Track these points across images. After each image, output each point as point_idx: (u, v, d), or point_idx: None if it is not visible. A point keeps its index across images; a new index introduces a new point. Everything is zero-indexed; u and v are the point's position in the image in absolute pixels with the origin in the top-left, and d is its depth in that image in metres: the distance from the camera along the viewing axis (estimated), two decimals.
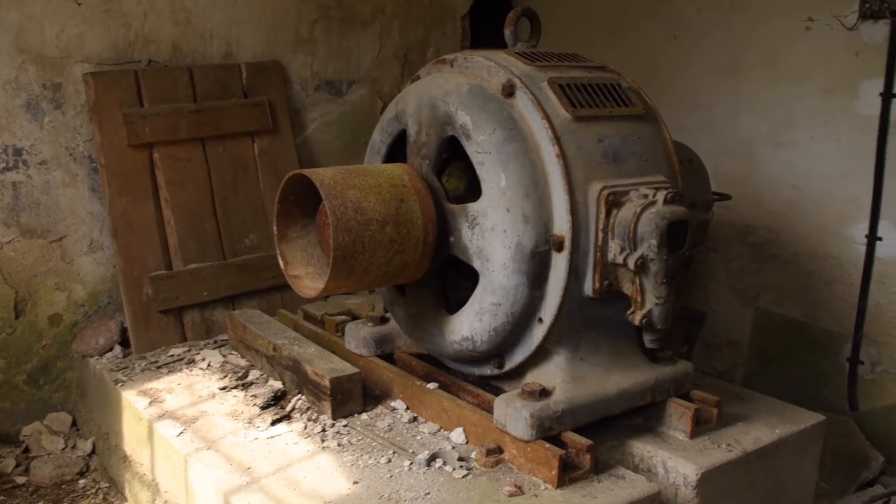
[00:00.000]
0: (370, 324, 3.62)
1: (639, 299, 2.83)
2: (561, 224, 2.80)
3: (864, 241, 4.03)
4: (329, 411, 3.24)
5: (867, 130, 3.96)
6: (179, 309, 4.11)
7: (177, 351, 3.96)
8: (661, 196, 2.80)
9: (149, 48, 4.21)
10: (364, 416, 3.28)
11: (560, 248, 2.81)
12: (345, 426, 3.20)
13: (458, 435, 3.08)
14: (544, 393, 2.89)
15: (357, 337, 3.59)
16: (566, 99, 2.92)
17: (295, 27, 4.65)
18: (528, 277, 2.82)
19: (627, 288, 2.86)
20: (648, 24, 4.91)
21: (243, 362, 3.80)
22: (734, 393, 3.56)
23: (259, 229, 4.37)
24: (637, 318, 2.84)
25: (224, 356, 3.88)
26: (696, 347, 4.72)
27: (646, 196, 2.82)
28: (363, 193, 2.85)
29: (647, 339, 2.94)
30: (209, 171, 4.25)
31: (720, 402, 3.21)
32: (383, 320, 3.64)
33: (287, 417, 3.28)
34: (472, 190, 3.33)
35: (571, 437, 2.87)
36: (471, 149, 2.90)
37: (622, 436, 3.15)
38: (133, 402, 3.45)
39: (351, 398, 3.28)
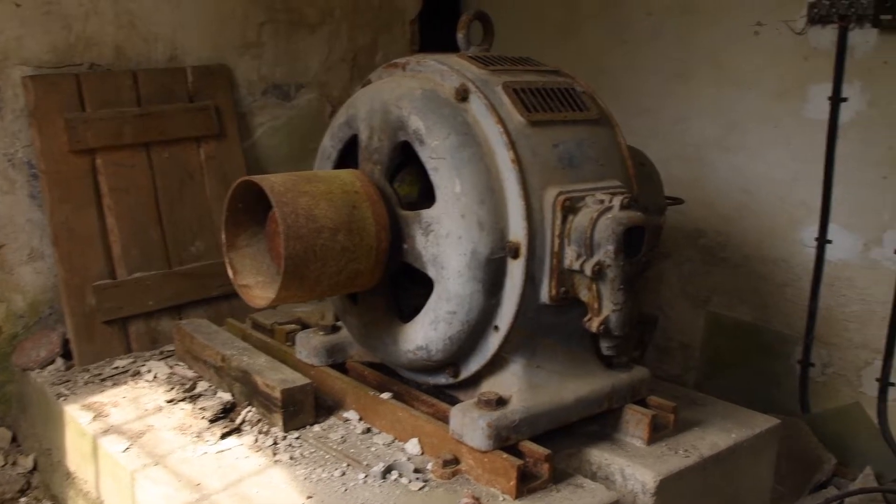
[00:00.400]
0: (321, 333, 3.55)
1: (596, 306, 2.81)
2: (517, 230, 2.76)
3: (814, 243, 4.06)
4: (280, 423, 3.16)
5: (816, 134, 3.99)
6: (124, 319, 3.98)
7: (121, 363, 3.84)
8: (617, 201, 2.78)
9: (91, 51, 4.08)
10: (316, 427, 3.20)
11: (516, 255, 2.77)
12: (297, 439, 3.12)
13: (413, 446, 3.02)
14: (501, 402, 2.84)
15: (308, 346, 3.51)
16: (521, 103, 2.88)
17: (242, 30, 4.55)
18: (483, 285, 2.78)
19: (584, 294, 2.83)
20: (597, 27, 4.91)
21: (191, 374, 3.70)
22: (689, 397, 3.55)
23: (206, 237, 4.27)
24: (594, 325, 2.81)
25: (170, 367, 3.76)
26: (648, 351, 4.72)
27: (602, 201, 2.80)
28: (315, 200, 2.78)
29: (605, 346, 2.92)
30: (154, 178, 4.14)
31: (676, 407, 3.20)
32: (334, 329, 3.57)
33: (237, 430, 3.19)
34: (426, 196, 3.28)
35: (529, 446, 2.83)
36: (424, 154, 2.84)
37: (579, 443, 3.12)
38: (76, 417, 3.33)
39: (303, 410, 3.20)
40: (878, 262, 3.87)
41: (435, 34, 5.43)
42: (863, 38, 3.80)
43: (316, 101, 4.88)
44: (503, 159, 2.78)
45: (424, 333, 2.93)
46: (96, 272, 3.94)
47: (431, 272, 2.86)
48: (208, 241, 4.26)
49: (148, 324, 4.06)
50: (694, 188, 4.44)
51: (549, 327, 2.95)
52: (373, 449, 3.04)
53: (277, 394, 3.14)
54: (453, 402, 3.11)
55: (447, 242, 2.79)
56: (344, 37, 4.96)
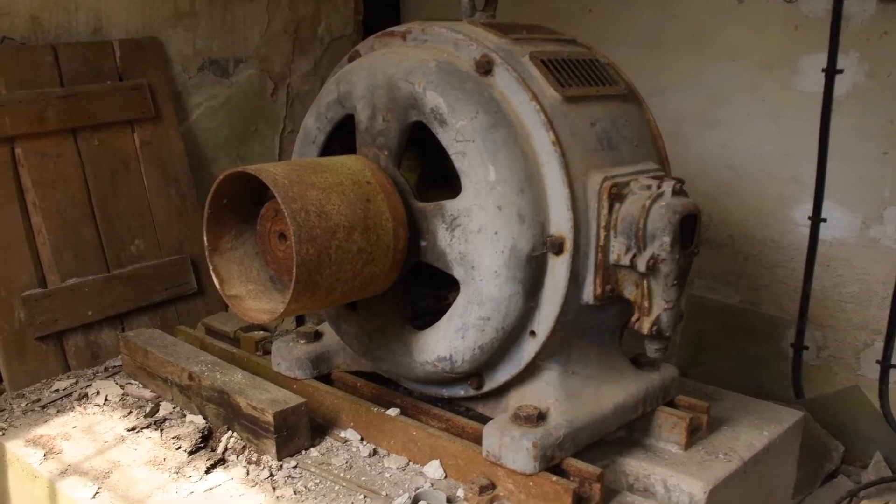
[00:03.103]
0: (302, 341, 3.12)
1: (646, 305, 2.49)
2: (560, 223, 2.41)
3: (808, 222, 3.87)
4: (273, 450, 2.73)
5: (809, 107, 3.78)
6: (59, 333, 3.44)
7: (62, 384, 3.30)
8: (668, 187, 2.47)
9: (2, 22, 3.48)
10: (314, 452, 2.79)
11: (559, 251, 2.42)
12: (295, 467, 2.70)
13: (434, 469, 2.65)
14: (541, 417, 2.51)
15: (289, 357, 3.08)
16: (553, 77, 2.53)
17: None
18: (523, 286, 2.43)
19: (630, 292, 2.52)
20: None
21: (148, 393, 3.20)
22: (701, 391, 3.31)
23: (146, 233, 3.74)
24: (646, 327, 2.50)
25: (121, 387, 3.25)
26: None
27: (649, 187, 2.48)
28: (325, 194, 2.35)
29: (653, 349, 2.60)
30: (84, 168, 3.58)
31: (710, 407, 2.94)
32: (317, 336, 3.15)
33: (222, 461, 2.74)
34: (427, 182, 2.91)
35: (576, 464, 2.51)
36: (447, 137, 2.46)
37: (610, 453, 2.82)
38: (22, 456, 2.80)
39: (297, 433, 2.78)
40: (878, 240, 3.70)
41: (375, 4, 5.01)
42: (860, 7, 3.60)
43: (256, 77, 4.37)
44: (541, 141, 2.42)
45: (449, 343, 2.56)
46: (24, 281, 3.37)
47: (458, 273, 2.49)
48: (149, 238, 3.74)
49: (87, 337, 3.53)
50: (673, 165, 4.15)
51: (586, 328, 2.63)
52: (387, 475, 2.66)
53: (269, 417, 2.71)
54: (470, 415, 2.79)
55: (479, 238, 2.42)
56: (284, 6, 4.46)
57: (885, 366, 3.73)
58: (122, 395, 3.21)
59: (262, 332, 3.44)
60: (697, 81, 4.13)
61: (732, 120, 4.05)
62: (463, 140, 2.42)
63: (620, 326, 2.84)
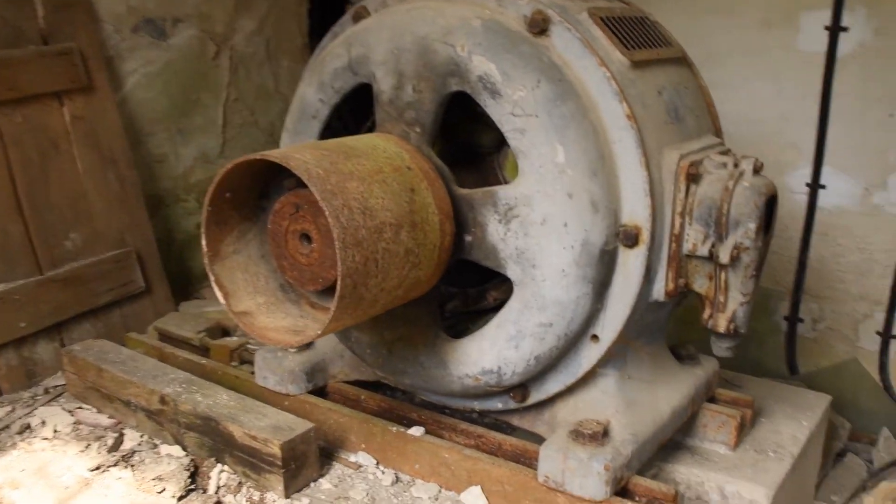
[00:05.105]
0: (292, 350, 2.68)
1: (721, 299, 2.17)
2: (634, 210, 2.06)
3: (805, 189, 3.65)
4: (280, 487, 2.30)
5: (810, 68, 3.54)
6: None
7: None
8: (747, 165, 2.16)
9: None
10: (325, 483, 2.38)
11: (634, 243, 2.07)
12: None
13: (474, 497, 2.28)
14: (605, 433, 2.17)
15: (278, 370, 2.64)
16: (617, 38, 2.16)
17: None
18: (593, 286, 2.07)
19: (701, 285, 2.20)
20: None
21: (105, 420, 2.70)
22: (721, 377, 3.06)
23: (82, 225, 3.18)
24: (722, 324, 2.18)
25: (70, 412, 2.74)
26: None
27: (725, 165, 2.16)
28: (367, 185, 1.93)
29: (723, 347, 2.28)
30: (6, 151, 2.99)
31: (754, 401, 2.69)
32: (309, 343, 2.71)
33: None
34: (453, 164, 2.50)
35: (644, 484, 2.20)
36: (500, 110, 2.06)
37: (653, 459, 2.51)
38: None
39: (306, 464, 2.36)
40: (881, 207, 3.52)
41: None
42: None
43: (196, 39, 3.77)
44: (612, 114, 2.06)
45: (498, 353, 2.19)
46: None
47: (513, 272, 2.12)
48: (86, 231, 3.18)
49: (20, 353, 2.96)
50: None
51: (644, 327, 2.31)
52: None
53: (275, 449, 2.28)
54: (486, 422, 2.52)
55: (544, 232, 2.05)
56: None
57: (886, 337, 3.57)
58: (74, 423, 2.69)
59: (235, 339, 2.97)
60: (689, 40, 3.75)
61: (727, 81, 3.74)
62: (522, 114, 2.03)
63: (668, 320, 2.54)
